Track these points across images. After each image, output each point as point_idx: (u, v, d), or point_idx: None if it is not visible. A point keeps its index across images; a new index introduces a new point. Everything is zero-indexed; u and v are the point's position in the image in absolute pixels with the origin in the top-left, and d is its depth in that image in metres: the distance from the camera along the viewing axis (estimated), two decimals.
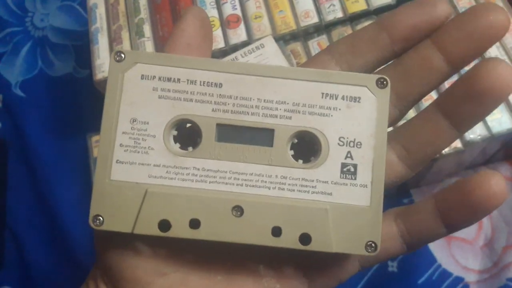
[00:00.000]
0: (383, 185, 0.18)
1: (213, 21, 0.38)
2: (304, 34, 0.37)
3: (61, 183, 0.42)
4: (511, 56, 0.34)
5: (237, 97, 0.19)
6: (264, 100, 0.19)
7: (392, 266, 0.39)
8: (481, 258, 0.39)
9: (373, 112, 0.19)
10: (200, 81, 0.19)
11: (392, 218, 0.21)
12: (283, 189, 0.18)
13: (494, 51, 0.35)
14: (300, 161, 0.19)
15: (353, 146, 0.18)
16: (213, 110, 0.19)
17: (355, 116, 0.19)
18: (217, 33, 0.38)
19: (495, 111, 0.32)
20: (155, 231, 0.18)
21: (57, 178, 0.44)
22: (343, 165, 0.18)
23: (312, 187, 0.18)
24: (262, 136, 0.19)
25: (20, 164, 0.46)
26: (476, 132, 0.33)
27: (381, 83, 0.18)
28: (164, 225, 0.18)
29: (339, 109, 0.19)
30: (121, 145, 0.19)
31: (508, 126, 0.32)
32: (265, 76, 0.19)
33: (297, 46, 0.37)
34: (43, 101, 0.48)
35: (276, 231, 0.18)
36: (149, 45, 0.39)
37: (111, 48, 0.40)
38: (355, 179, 0.18)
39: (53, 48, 0.50)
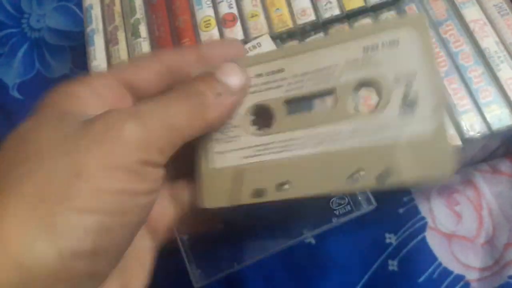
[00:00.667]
0: (443, 108, 0.19)
1: (209, 20, 0.38)
2: (301, 32, 0.37)
3: None
4: (511, 52, 0.34)
5: (297, 75, 0.22)
6: (317, 70, 0.21)
7: (393, 265, 0.39)
8: (482, 256, 0.38)
9: (417, 45, 0.20)
10: (265, 72, 0.22)
11: None
12: (354, 137, 0.20)
13: (493, 47, 0.34)
14: (365, 109, 0.21)
15: (408, 80, 0.20)
16: (279, 91, 0.22)
17: (400, 54, 0.20)
18: (214, 32, 0.38)
19: (494, 107, 0.32)
20: (253, 199, 0.22)
21: None
22: (404, 99, 0.20)
23: (381, 128, 0.20)
24: (326, 98, 0.21)
25: None
26: (475, 129, 0.32)
27: (418, 20, 0.20)
28: (259, 192, 0.22)
29: (384, 54, 0.20)
30: (216, 139, 0.23)
31: (508, 122, 0.32)
32: (313, 50, 0.21)
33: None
34: None
35: (354, 175, 0.20)
36: (145, 46, 0.39)
37: (107, 49, 0.40)
38: (417, 109, 0.19)
39: (49, 49, 0.50)
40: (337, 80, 0.21)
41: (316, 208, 0.35)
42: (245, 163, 0.22)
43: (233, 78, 0.22)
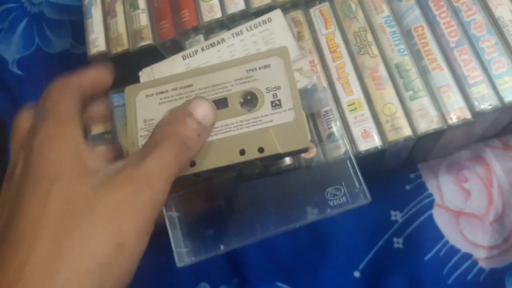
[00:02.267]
0: (301, 106, 0.28)
1: None
2: (305, 1, 0.36)
3: None
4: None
5: (201, 88, 0.30)
6: (216, 84, 0.30)
7: (398, 243, 0.38)
8: (491, 234, 0.37)
9: (282, 68, 0.29)
10: (179, 87, 0.31)
11: None
12: (242, 126, 0.29)
13: (508, 16, 0.32)
14: (248, 109, 0.29)
15: (276, 90, 0.29)
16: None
17: (271, 73, 0.30)
18: (214, 2, 0.36)
19: (507, 78, 0.31)
20: None
21: None
22: (272, 102, 0.29)
23: (259, 121, 0.29)
24: (221, 103, 0.30)
25: None
26: (486, 102, 0.31)
27: (282, 51, 0.30)
28: None
29: (260, 74, 0.30)
30: (141, 135, 0.30)
31: None
32: (212, 71, 0.30)
33: (298, 14, 0.35)
34: (41, 79, 0.47)
35: (243, 151, 0.28)
36: (143, 17, 0.38)
37: (105, 22, 0.38)
38: (281, 107, 0.29)
39: (49, 24, 0.49)
40: (229, 91, 0.30)
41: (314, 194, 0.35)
42: None
43: (208, 119, 0.28)
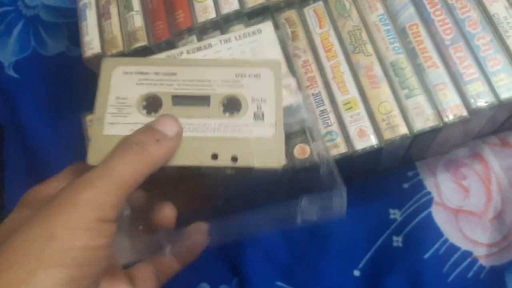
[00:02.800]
0: (282, 124, 0.28)
1: None
2: (299, 1, 0.35)
3: (56, 162, 0.41)
4: None
5: (185, 80, 0.29)
6: (201, 80, 0.29)
7: (397, 241, 0.38)
8: (490, 232, 0.37)
9: (271, 81, 0.29)
10: (162, 72, 0.29)
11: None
12: (220, 130, 0.28)
13: (502, 13, 0.32)
14: (229, 114, 0.29)
15: (261, 102, 0.29)
16: (170, 88, 0.29)
17: (259, 84, 0.29)
18: (208, 3, 0.36)
19: (502, 76, 0.31)
20: None
21: (53, 157, 0.44)
22: (255, 113, 0.28)
23: (239, 129, 0.28)
24: (203, 100, 0.29)
25: (16, 145, 0.45)
26: (483, 99, 0.31)
27: (275, 65, 0.29)
28: None
29: (249, 81, 0.29)
30: (109, 112, 0.29)
31: None
32: (200, 66, 0.29)
33: (292, 14, 0.35)
34: (37, 82, 0.47)
35: (215, 156, 0.27)
36: (138, 19, 0.38)
37: (99, 24, 0.38)
38: (263, 120, 0.28)
39: (45, 27, 0.49)
40: (213, 90, 0.29)
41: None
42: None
43: (169, 128, 0.27)
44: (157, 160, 0.26)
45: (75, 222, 0.23)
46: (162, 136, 0.27)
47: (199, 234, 0.31)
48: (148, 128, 0.27)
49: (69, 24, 0.49)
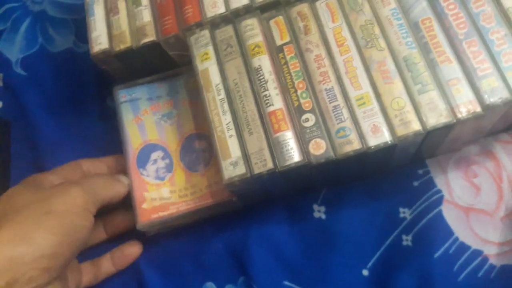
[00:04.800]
0: None
1: None
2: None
3: (62, 158, 0.41)
4: None
5: None
6: None
7: (407, 240, 0.37)
8: (501, 230, 0.37)
9: None
10: None
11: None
12: None
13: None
14: None
15: None
16: None
17: None
18: None
19: None
20: None
21: (59, 153, 0.43)
22: None
23: None
24: None
25: (23, 142, 0.45)
26: (496, 95, 0.30)
27: None
28: None
29: None
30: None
31: None
32: None
33: (304, 7, 0.35)
34: (44, 79, 0.47)
35: None
36: (146, 14, 0.37)
37: (107, 19, 0.38)
38: None
39: (52, 23, 0.49)
40: None
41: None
42: None
43: (124, 181, 0.38)
44: (115, 193, 0.37)
45: (68, 206, 0.32)
46: (122, 181, 0.38)
47: (133, 248, 0.39)
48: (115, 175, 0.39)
49: (76, 20, 0.49)
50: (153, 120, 0.40)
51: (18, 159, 0.45)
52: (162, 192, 0.38)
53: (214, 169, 0.38)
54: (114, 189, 0.37)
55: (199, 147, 0.39)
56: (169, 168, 0.38)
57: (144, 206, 0.37)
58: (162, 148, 0.39)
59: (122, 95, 0.40)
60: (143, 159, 0.39)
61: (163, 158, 0.39)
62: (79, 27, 0.48)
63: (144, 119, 0.40)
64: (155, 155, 0.39)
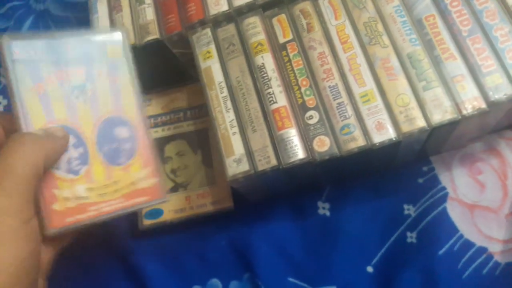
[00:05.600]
0: None
1: None
2: None
3: None
4: None
5: None
6: None
7: (411, 237, 0.37)
8: (506, 227, 0.37)
9: None
10: None
11: None
12: None
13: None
14: None
15: None
16: None
17: None
18: None
19: None
20: None
21: None
22: None
23: None
24: None
25: None
26: (501, 91, 0.30)
27: None
28: None
29: None
30: None
31: None
32: None
33: (307, 5, 0.35)
34: None
35: None
36: (149, 12, 0.37)
37: (111, 17, 0.38)
38: None
39: (55, 21, 0.49)
40: None
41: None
42: None
43: (58, 132, 0.29)
44: (50, 152, 0.28)
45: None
46: (51, 135, 0.29)
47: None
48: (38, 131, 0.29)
49: (78, 18, 0.49)
50: (61, 93, 0.31)
51: None
52: (77, 190, 0.30)
53: (139, 162, 0.32)
54: (45, 146, 0.28)
55: (120, 136, 0.32)
56: (83, 159, 0.31)
57: (56, 207, 0.29)
58: (73, 132, 0.31)
59: (16, 51, 0.30)
60: None
61: (75, 146, 0.30)
62: (82, 25, 0.48)
63: (49, 89, 0.30)
64: None
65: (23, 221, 0.26)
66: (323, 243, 0.39)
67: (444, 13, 0.33)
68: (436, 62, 0.31)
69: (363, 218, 0.39)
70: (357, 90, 0.31)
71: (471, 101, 0.30)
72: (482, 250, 0.36)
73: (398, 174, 0.39)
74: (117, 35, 0.33)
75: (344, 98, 0.31)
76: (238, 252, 0.39)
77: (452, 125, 0.30)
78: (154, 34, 0.37)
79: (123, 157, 0.32)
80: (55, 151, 0.28)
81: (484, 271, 0.36)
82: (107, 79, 0.32)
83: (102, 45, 0.32)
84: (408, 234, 0.38)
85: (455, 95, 0.30)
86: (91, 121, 0.31)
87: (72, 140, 0.30)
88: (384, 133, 0.30)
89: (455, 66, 0.31)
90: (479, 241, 0.37)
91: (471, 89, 0.30)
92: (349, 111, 0.31)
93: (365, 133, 0.30)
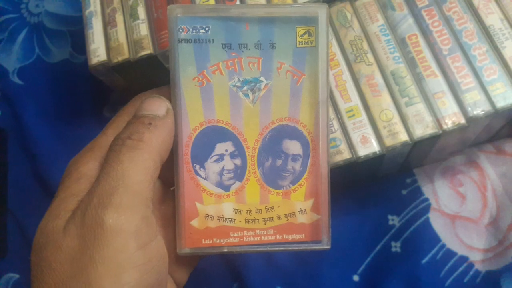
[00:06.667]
0: None
1: (208, 1, 0.38)
2: None
3: (59, 168, 0.42)
4: None
5: None
6: None
7: (395, 247, 0.39)
8: (486, 237, 0.38)
9: None
10: None
11: None
12: None
13: (498, 24, 0.33)
14: None
15: None
16: None
17: None
18: None
19: (498, 85, 0.32)
20: None
21: (56, 163, 0.44)
22: None
23: None
24: None
25: (20, 151, 0.46)
26: (479, 107, 0.32)
27: None
28: None
29: None
30: None
31: None
32: None
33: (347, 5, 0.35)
34: (41, 88, 0.48)
35: None
36: (143, 28, 0.38)
37: (105, 32, 0.39)
38: None
39: (49, 34, 0.50)
40: None
41: None
42: None
43: (156, 108, 0.23)
44: (157, 145, 0.22)
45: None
46: (152, 118, 0.23)
47: None
48: (134, 118, 0.23)
49: (72, 31, 0.50)
50: (227, 86, 0.25)
51: (15, 169, 0.45)
52: (224, 208, 0.25)
53: (305, 189, 0.26)
54: (150, 143, 0.22)
55: (289, 151, 0.26)
56: (238, 173, 0.26)
57: (195, 223, 0.25)
58: (234, 139, 0.25)
59: (183, 27, 0.24)
60: (202, 149, 0.25)
61: (232, 156, 0.26)
62: (76, 38, 0.49)
63: (214, 81, 0.25)
64: (222, 147, 0.25)
65: (139, 245, 0.21)
66: (311, 252, 0.40)
67: (426, 33, 0.34)
68: (418, 79, 0.33)
69: (349, 228, 0.40)
70: (343, 106, 0.33)
71: (451, 117, 0.32)
72: (464, 259, 0.38)
73: (382, 186, 0.40)
74: (312, 14, 0.23)
75: (331, 112, 0.32)
76: (227, 262, 0.40)
77: (433, 139, 0.32)
78: (148, 49, 0.38)
79: (287, 180, 0.26)
80: (165, 140, 0.23)
81: (466, 279, 0.37)
82: (289, 74, 0.25)
83: (290, 28, 0.25)
84: (393, 243, 0.39)
85: (436, 110, 0.32)
86: (257, 127, 0.25)
87: (230, 147, 0.25)
88: (368, 146, 0.31)
89: (436, 83, 0.33)
90: (460, 251, 0.38)
91: (451, 105, 0.32)
92: (335, 125, 0.32)
93: (351, 146, 0.32)
